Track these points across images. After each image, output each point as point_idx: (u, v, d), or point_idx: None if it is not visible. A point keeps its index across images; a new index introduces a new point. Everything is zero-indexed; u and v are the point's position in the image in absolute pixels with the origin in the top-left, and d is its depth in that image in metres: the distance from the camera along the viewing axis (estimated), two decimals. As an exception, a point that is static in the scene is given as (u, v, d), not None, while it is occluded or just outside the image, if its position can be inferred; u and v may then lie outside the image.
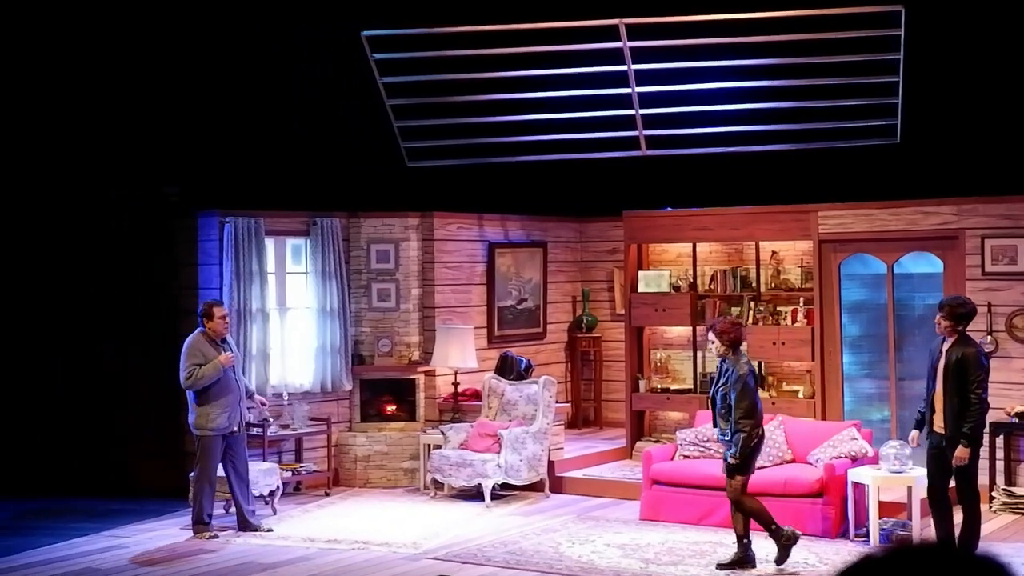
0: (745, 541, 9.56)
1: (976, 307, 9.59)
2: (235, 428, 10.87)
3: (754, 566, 9.55)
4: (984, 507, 10.44)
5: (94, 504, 12.12)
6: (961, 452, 9.04)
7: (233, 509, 11.36)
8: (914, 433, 9.59)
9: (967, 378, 9.02)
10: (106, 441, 12.96)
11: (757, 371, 9.55)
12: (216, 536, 10.68)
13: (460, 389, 13.24)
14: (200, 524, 10.72)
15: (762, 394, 13.00)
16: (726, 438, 9.50)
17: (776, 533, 9.49)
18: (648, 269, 14.25)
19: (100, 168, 12.92)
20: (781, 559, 9.50)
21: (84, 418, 13.02)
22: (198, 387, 10.63)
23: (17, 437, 13.00)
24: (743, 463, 9.50)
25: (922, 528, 10.24)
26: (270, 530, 10.91)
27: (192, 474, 10.81)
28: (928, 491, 9.42)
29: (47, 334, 13.08)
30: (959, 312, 9.24)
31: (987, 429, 9.75)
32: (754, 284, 13.63)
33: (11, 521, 11.52)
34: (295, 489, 12.72)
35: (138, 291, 12.93)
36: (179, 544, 10.55)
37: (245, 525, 10.87)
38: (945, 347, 9.20)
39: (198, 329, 10.83)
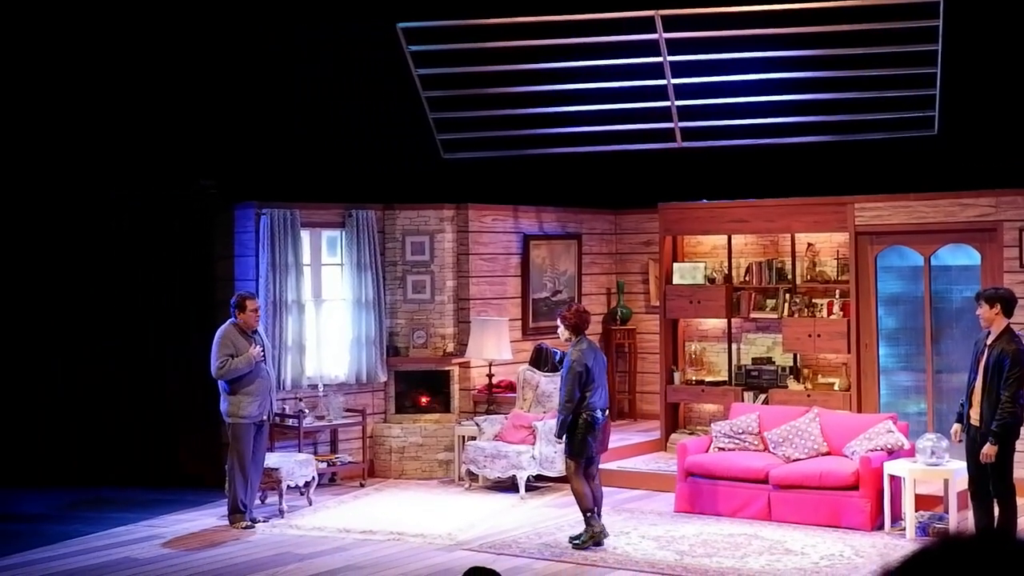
0: (588, 515, 10.03)
1: (1014, 294, 9.55)
2: (265, 417, 10.95)
3: (601, 542, 9.97)
4: (1022, 500, 10.38)
5: (133, 494, 12.21)
6: (988, 449, 9.01)
7: (270, 499, 11.44)
8: (956, 427, 9.54)
9: (1004, 375, 8.98)
10: (146, 431, 13.05)
11: (585, 364, 10.01)
12: (252, 526, 10.73)
13: (495, 381, 13.26)
14: (236, 513, 10.78)
15: (797, 386, 13.05)
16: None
17: (588, 520, 9.99)
18: (683, 261, 14.22)
19: (139, 161, 13.00)
20: (578, 540, 9.97)
21: (124, 408, 13.11)
22: (229, 377, 10.69)
23: (60, 428, 13.10)
24: (570, 447, 10.09)
25: (959, 521, 10.19)
26: (265, 520, 10.98)
27: (227, 464, 10.88)
28: (969, 484, 9.38)
29: (86, 324, 13.17)
30: (992, 294, 9.22)
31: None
32: (790, 276, 13.58)
33: (53, 511, 11.63)
34: (330, 480, 12.78)
35: (176, 283, 13.01)
36: (215, 533, 10.61)
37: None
38: (989, 341, 9.16)
39: (229, 320, 10.88)
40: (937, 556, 1.61)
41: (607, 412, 10.29)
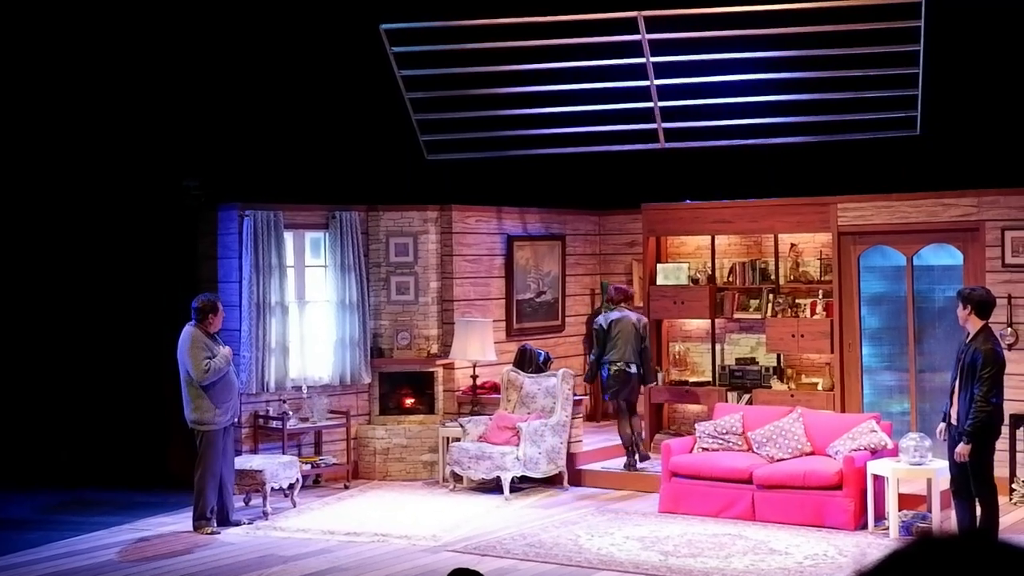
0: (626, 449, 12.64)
1: (993, 297, 9.52)
2: (235, 421, 10.96)
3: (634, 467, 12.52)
4: (1003, 499, 10.42)
5: (118, 496, 12.18)
6: (961, 448, 9.04)
7: (254, 501, 11.42)
8: (941, 426, 9.57)
9: (977, 374, 9.00)
10: (131, 433, 13.01)
11: (599, 324, 12.76)
12: (218, 532, 10.67)
13: (479, 382, 13.25)
14: (202, 520, 10.71)
15: (781, 387, 13.13)
16: None
17: (626, 452, 12.72)
18: (667, 262, 14.24)
19: (123, 162, 12.97)
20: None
21: (108, 410, 13.08)
22: (212, 380, 10.63)
23: (44, 429, 13.07)
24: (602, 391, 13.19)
25: (942, 520, 10.23)
26: (249, 522, 10.98)
27: (197, 472, 10.76)
28: (951, 483, 9.41)
29: (71, 325, 13.14)
30: (966, 295, 9.24)
31: (1006, 422, 9.73)
32: (773, 276, 13.60)
33: (34, 514, 11.58)
34: (315, 482, 12.76)
35: (160, 284, 12.97)
36: (200, 536, 10.58)
37: (226, 521, 10.89)
38: (967, 340, 9.20)
39: (192, 324, 10.75)
40: (911, 557, 1.60)
41: (626, 365, 12.52)
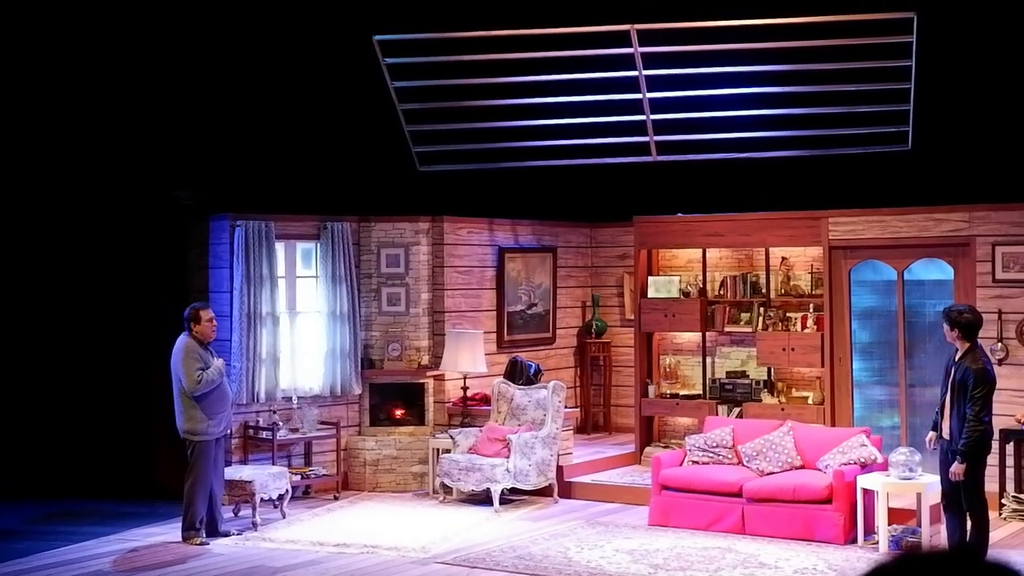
0: None
1: (980, 317, 9.47)
2: (228, 432, 10.94)
3: None
4: (993, 514, 10.43)
5: (105, 507, 12.14)
6: (956, 468, 9.06)
7: (243, 512, 11.41)
8: (931, 435, 9.58)
9: (968, 393, 9.01)
10: (119, 443, 12.99)
11: None
12: (207, 543, 10.64)
13: (469, 394, 13.24)
14: (192, 530, 10.68)
15: (771, 400, 13.13)
16: None
17: None
18: (658, 274, 14.25)
19: (113, 172, 12.96)
20: None
21: (97, 420, 13.05)
22: (204, 391, 10.61)
23: (32, 440, 13.03)
24: None
25: (931, 535, 10.23)
26: (238, 533, 10.95)
27: (188, 482, 10.74)
28: (941, 497, 9.42)
29: (59, 335, 13.12)
30: (954, 318, 9.22)
31: (996, 437, 9.74)
32: (764, 290, 13.62)
33: (23, 525, 11.54)
34: (304, 493, 12.74)
35: (150, 294, 12.96)
36: (188, 547, 10.55)
37: (215, 531, 10.86)
38: (956, 357, 9.20)
39: (184, 334, 10.75)
40: (894, 573, 1.61)
41: None
